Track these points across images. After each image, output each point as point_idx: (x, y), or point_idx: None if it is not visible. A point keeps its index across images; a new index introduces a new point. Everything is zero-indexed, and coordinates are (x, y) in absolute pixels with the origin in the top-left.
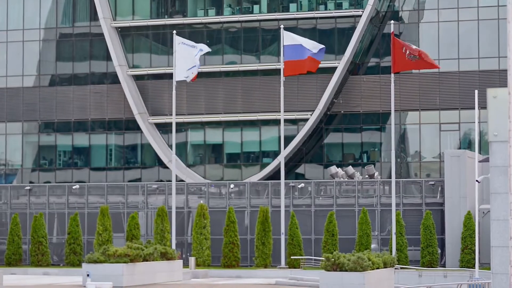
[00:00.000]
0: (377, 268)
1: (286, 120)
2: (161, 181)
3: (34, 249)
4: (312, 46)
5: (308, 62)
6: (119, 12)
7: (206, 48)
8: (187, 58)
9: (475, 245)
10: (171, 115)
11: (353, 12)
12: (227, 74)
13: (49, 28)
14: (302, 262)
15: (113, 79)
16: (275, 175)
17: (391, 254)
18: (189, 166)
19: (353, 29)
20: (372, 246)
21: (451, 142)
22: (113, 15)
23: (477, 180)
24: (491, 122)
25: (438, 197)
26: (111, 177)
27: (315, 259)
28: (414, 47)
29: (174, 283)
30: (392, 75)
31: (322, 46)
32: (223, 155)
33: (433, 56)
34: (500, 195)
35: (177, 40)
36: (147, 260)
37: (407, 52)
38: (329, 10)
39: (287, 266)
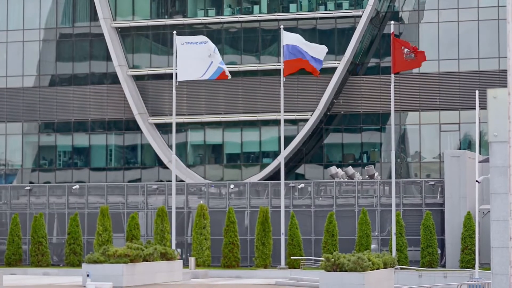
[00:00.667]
0: (377, 269)
1: (286, 121)
2: (161, 181)
3: (34, 249)
4: (314, 52)
5: (308, 64)
6: (119, 12)
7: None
8: (196, 58)
9: (475, 246)
10: (171, 115)
11: (353, 12)
12: None
13: (49, 28)
14: (302, 262)
15: (113, 79)
16: (275, 175)
17: (391, 254)
18: (189, 166)
19: (353, 29)
20: (372, 246)
21: (451, 142)
22: (113, 15)
23: (477, 181)
24: (491, 122)
25: (438, 197)
26: (111, 177)
27: (315, 260)
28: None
29: (174, 283)
30: (392, 75)
31: (324, 52)
32: (223, 156)
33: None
34: (500, 196)
35: (180, 40)
36: (147, 260)
37: (405, 51)
38: (329, 10)
39: (287, 267)
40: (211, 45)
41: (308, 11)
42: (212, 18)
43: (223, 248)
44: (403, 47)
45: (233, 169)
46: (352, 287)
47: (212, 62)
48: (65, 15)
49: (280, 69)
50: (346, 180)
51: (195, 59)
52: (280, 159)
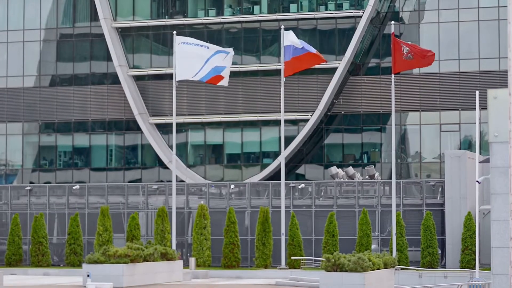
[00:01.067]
0: (378, 269)
1: (286, 121)
2: (162, 181)
3: (35, 250)
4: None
5: (309, 57)
6: (120, 12)
7: (229, 50)
8: (191, 58)
9: (475, 246)
10: (172, 115)
11: (354, 12)
12: None
13: (49, 29)
14: (302, 262)
15: (114, 79)
16: (275, 175)
17: (392, 254)
18: (189, 166)
19: (353, 29)
20: (373, 246)
21: (451, 142)
22: (113, 16)
23: (477, 181)
24: (491, 122)
25: (438, 197)
26: (111, 177)
27: (315, 260)
28: (409, 43)
29: (174, 283)
30: (393, 75)
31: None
32: (223, 156)
33: None
34: (500, 196)
35: (178, 39)
36: (147, 261)
37: (405, 51)
38: (330, 10)
39: (287, 267)
40: (212, 51)
41: (309, 11)
42: (212, 18)
43: (223, 248)
44: (403, 46)
45: (233, 169)
46: (352, 287)
47: (205, 64)
48: (65, 15)
49: (280, 69)
50: (346, 180)
51: (189, 58)
52: (281, 159)
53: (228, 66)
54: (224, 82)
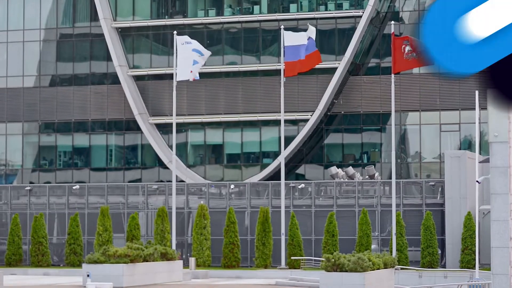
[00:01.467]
0: (378, 269)
1: (286, 121)
2: (161, 181)
3: (34, 250)
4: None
5: (308, 60)
6: (120, 12)
7: (205, 52)
8: (187, 58)
9: (475, 246)
10: (172, 115)
11: (354, 12)
12: (228, 74)
13: (49, 29)
14: (302, 262)
15: (114, 79)
16: (275, 175)
17: (391, 254)
18: (189, 166)
19: (353, 29)
20: (372, 246)
21: (451, 142)
22: (113, 16)
23: (477, 181)
24: (491, 122)
25: (438, 197)
26: (111, 177)
27: (315, 260)
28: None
29: (174, 283)
30: (393, 75)
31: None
32: (223, 156)
33: None
34: (500, 196)
35: (179, 40)
36: (147, 261)
37: (406, 50)
38: (330, 10)
39: (287, 267)
40: (193, 46)
41: (309, 11)
42: (212, 18)
43: (223, 248)
44: (403, 46)
45: (233, 169)
46: (352, 287)
47: (185, 62)
48: (65, 15)
49: (280, 69)
50: (346, 180)
51: (189, 58)
52: (281, 159)
53: (200, 64)
54: (190, 76)
